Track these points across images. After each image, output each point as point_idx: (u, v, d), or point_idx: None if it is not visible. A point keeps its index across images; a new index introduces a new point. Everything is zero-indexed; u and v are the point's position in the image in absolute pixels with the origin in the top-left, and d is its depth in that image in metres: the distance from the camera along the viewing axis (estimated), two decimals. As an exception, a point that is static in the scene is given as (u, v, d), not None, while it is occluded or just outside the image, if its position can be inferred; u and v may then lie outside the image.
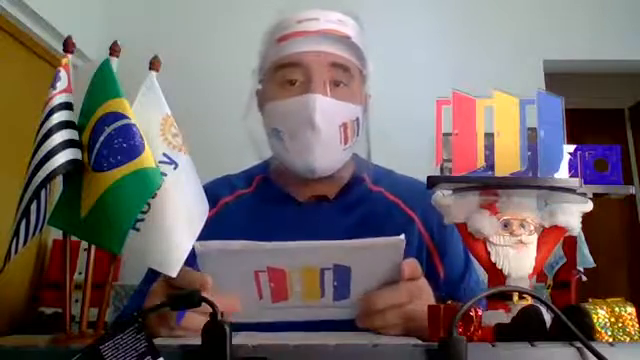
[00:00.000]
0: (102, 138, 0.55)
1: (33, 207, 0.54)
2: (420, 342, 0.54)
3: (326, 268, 0.66)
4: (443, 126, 0.61)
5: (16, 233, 0.54)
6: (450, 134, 0.61)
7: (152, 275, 0.73)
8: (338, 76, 0.89)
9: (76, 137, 0.57)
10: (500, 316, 0.57)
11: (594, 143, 0.62)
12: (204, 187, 0.94)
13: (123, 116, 0.56)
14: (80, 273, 0.61)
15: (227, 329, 0.46)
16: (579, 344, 0.49)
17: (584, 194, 0.61)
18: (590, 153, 0.61)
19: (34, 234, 0.56)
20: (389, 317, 0.66)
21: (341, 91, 0.89)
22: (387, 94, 0.98)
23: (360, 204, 0.94)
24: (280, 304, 0.69)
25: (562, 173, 0.60)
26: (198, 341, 0.47)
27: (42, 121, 0.56)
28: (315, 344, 0.49)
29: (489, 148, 0.60)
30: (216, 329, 0.46)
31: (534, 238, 0.61)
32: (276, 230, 0.90)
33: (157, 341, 0.49)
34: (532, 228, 0.61)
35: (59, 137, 0.55)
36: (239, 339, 0.52)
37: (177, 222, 0.58)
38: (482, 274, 0.67)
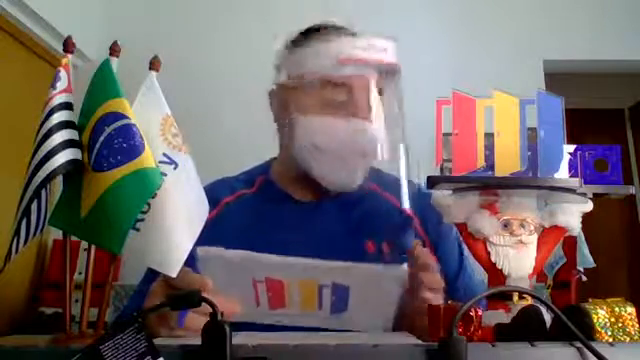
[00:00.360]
0: (102, 138, 0.55)
1: (33, 207, 0.54)
2: (420, 342, 0.54)
3: (324, 285, 0.66)
4: (443, 126, 0.61)
5: (17, 233, 0.54)
6: (450, 134, 0.61)
7: (152, 275, 0.73)
8: (378, 101, 0.91)
9: (76, 137, 0.57)
10: (500, 316, 0.57)
11: (594, 143, 0.62)
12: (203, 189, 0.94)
13: (123, 116, 0.56)
14: (80, 273, 0.61)
15: (227, 329, 0.46)
16: (579, 344, 0.49)
17: (584, 194, 0.61)
18: (590, 153, 0.61)
19: (35, 234, 0.56)
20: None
21: (378, 114, 0.91)
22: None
23: (359, 203, 0.94)
24: (277, 311, 0.69)
25: (562, 173, 0.60)
26: (198, 341, 0.47)
27: (42, 121, 0.56)
28: (315, 344, 0.49)
29: (489, 148, 0.60)
30: (216, 329, 0.46)
31: (534, 238, 0.61)
32: (277, 229, 0.90)
33: (157, 341, 0.49)
34: (532, 228, 0.61)
35: (59, 137, 0.55)
36: (239, 339, 0.52)
37: (177, 222, 0.58)
38: (481, 273, 0.67)
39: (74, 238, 0.58)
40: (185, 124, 0.67)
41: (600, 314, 0.54)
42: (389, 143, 0.90)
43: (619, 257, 3.43)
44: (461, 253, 0.97)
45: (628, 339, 0.53)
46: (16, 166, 0.80)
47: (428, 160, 0.62)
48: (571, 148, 0.61)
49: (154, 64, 0.63)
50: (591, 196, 0.62)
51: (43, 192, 0.54)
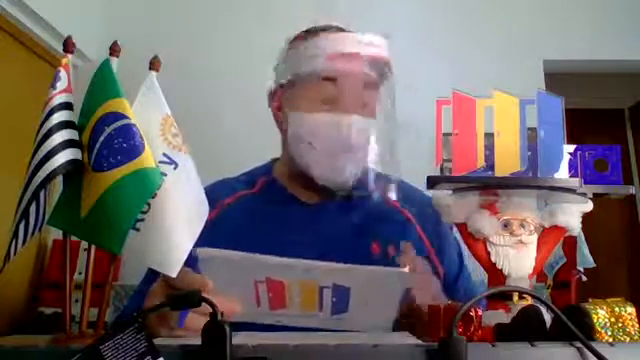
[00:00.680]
0: (102, 138, 0.55)
1: (33, 207, 0.54)
2: (420, 342, 0.54)
3: (325, 286, 0.66)
4: (443, 126, 0.61)
5: (15, 234, 0.54)
6: (450, 134, 0.61)
7: (152, 275, 0.73)
8: (367, 96, 0.93)
9: (76, 137, 0.57)
10: (500, 316, 0.57)
11: (594, 143, 0.62)
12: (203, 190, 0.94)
13: (123, 116, 0.56)
14: (80, 273, 0.61)
15: (227, 329, 0.46)
16: (579, 344, 0.49)
17: (584, 194, 0.61)
18: (590, 153, 0.61)
19: (33, 234, 0.56)
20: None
21: (368, 109, 0.93)
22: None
23: (364, 206, 0.94)
24: (278, 311, 0.69)
25: (562, 173, 0.60)
26: (198, 341, 0.47)
27: (42, 121, 0.56)
28: (315, 344, 0.49)
29: (489, 148, 0.60)
30: (216, 329, 0.46)
31: (534, 238, 0.61)
32: (281, 230, 0.90)
33: (157, 341, 0.49)
34: (532, 228, 0.61)
35: (59, 137, 0.55)
36: (239, 339, 0.52)
37: (177, 222, 0.58)
38: (480, 274, 0.67)
39: (74, 238, 0.58)
40: (185, 124, 0.67)
41: (600, 314, 0.54)
42: (382, 139, 0.91)
43: (619, 257, 3.42)
44: (460, 254, 0.97)
45: (628, 339, 0.53)
46: (16, 166, 0.80)
47: (428, 160, 0.62)
48: (571, 148, 0.61)
49: (154, 64, 0.63)
50: (591, 196, 0.62)
51: (42, 192, 0.54)
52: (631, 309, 0.55)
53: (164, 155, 0.60)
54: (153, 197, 0.57)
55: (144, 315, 0.48)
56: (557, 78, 2.42)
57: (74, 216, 0.56)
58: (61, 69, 0.58)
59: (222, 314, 0.48)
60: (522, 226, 0.61)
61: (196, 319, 0.62)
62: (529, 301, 0.58)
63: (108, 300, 0.59)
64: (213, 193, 0.89)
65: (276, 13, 2.46)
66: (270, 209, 0.94)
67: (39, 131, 0.55)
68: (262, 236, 0.87)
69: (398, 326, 0.71)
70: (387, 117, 0.94)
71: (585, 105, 3.20)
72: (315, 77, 0.91)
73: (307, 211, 0.94)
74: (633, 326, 0.54)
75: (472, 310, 0.52)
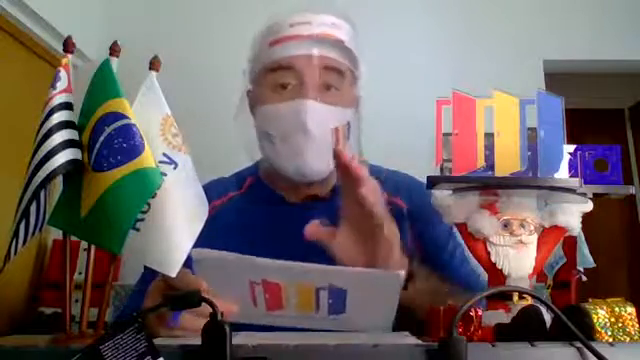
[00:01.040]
0: (102, 138, 0.55)
1: (33, 207, 0.54)
2: (420, 342, 0.54)
3: (321, 288, 0.66)
4: (443, 126, 0.61)
5: (15, 234, 0.54)
6: (450, 134, 0.61)
7: (149, 275, 0.73)
8: (330, 79, 0.89)
9: (76, 137, 0.57)
10: (500, 316, 0.57)
11: (594, 143, 0.62)
12: None
13: (123, 116, 0.56)
14: (80, 273, 0.61)
15: (227, 329, 0.46)
16: (579, 344, 0.49)
17: (584, 194, 0.61)
18: (590, 153, 0.61)
19: (33, 234, 0.56)
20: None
21: (333, 95, 0.89)
22: (387, 94, 0.98)
23: None
24: (275, 312, 0.69)
25: (562, 173, 0.60)
26: (198, 341, 0.47)
27: (42, 121, 0.56)
28: (315, 344, 0.49)
29: (489, 148, 0.60)
30: (216, 329, 0.46)
31: (534, 238, 0.61)
32: (268, 231, 0.89)
33: (157, 341, 0.49)
34: (532, 228, 0.61)
35: (59, 137, 0.55)
36: (239, 339, 0.52)
37: (177, 222, 0.58)
38: (482, 273, 0.67)
39: (74, 238, 0.58)
40: (185, 124, 0.67)
41: (600, 314, 0.54)
42: (336, 123, 0.85)
43: (619, 257, 3.42)
44: (450, 232, 0.95)
45: (628, 339, 0.53)
46: (16, 166, 0.80)
47: (428, 160, 0.62)
48: (571, 148, 0.61)
49: (154, 64, 0.63)
50: (591, 196, 0.62)
51: (42, 192, 0.54)
52: (631, 309, 0.55)
53: (164, 155, 0.60)
54: (153, 197, 0.57)
55: (144, 315, 0.48)
56: (557, 78, 2.42)
57: (74, 216, 0.56)
58: (61, 69, 0.58)
59: (222, 314, 0.48)
60: (522, 226, 0.61)
61: (193, 319, 0.62)
62: (529, 301, 0.58)
63: (108, 300, 0.59)
64: (205, 194, 0.90)
65: (278, 11, 2.45)
66: (256, 209, 0.93)
67: (39, 131, 0.55)
68: (250, 236, 0.87)
69: (398, 327, 0.71)
70: (354, 103, 0.91)
71: (585, 105, 3.20)
72: (264, 68, 0.89)
73: (291, 210, 0.93)
74: (633, 326, 0.54)
75: (472, 310, 0.52)
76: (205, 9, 2.57)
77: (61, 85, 0.58)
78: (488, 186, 0.60)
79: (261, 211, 0.93)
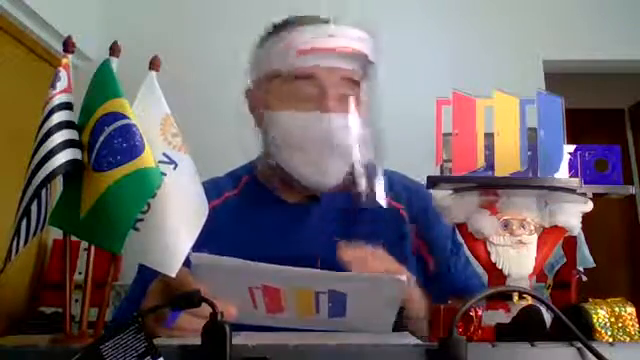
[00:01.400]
0: (102, 138, 0.55)
1: (34, 207, 0.54)
2: (420, 342, 0.54)
3: (321, 292, 0.66)
4: (443, 126, 0.61)
5: (17, 233, 0.54)
6: (450, 134, 0.61)
7: (149, 274, 0.73)
8: (348, 90, 0.89)
9: (76, 137, 0.57)
10: (500, 316, 0.57)
11: (594, 143, 0.62)
12: None
13: (123, 116, 0.56)
14: (80, 273, 0.61)
15: (227, 329, 0.46)
16: (579, 344, 0.49)
17: (584, 194, 0.61)
18: (590, 153, 0.61)
19: (35, 234, 0.56)
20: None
21: (349, 105, 0.89)
22: (387, 94, 0.98)
23: (349, 203, 0.92)
24: (275, 315, 0.69)
25: (562, 173, 0.60)
26: (198, 341, 0.47)
27: (42, 121, 0.56)
28: (315, 344, 0.49)
29: (489, 148, 0.60)
30: (216, 329, 0.46)
31: (534, 238, 0.61)
32: (266, 232, 0.89)
33: (157, 341, 0.49)
34: (532, 228, 0.61)
35: (59, 137, 0.55)
36: (239, 339, 0.52)
37: (177, 222, 0.58)
38: (482, 274, 0.67)
39: (74, 238, 0.58)
40: (185, 124, 0.67)
41: (600, 314, 0.54)
42: (363, 136, 0.87)
43: (619, 257, 3.43)
44: (454, 241, 0.95)
45: (628, 339, 0.53)
46: (16, 166, 0.80)
47: (428, 160, 0.62)
48: (571, 148, 0.61)
49: (154, 64, 0.63)
50: (591, 196, 0.62)
51: (43, 192, 0.54)
52: (631, 309, 0.55)
53: (164, 155, 0.60)
54: (153, 197, 0.57)
55: (144, 315, 0.48)
56: (557, 78, 2.42)
57: (74, 216, 0.56)
58: (61, 69, 0.58)
59: (222, 314, 0.48)
60: (522, 226, 0.61)
61: (190, 320, 0.62)
62: (529, 301, 0.58)
63: (108, 300, 0.59)
64: None
65: (277, 12, 2.45)
66: (253, 210, 0.93)
67: (39, 131, 0.55)
68: (248, 238, 0.87)
69: (397, 329, 0.71)
70: (371, 115, 0.91)
71: (585, 105, 3.20)
72: (288, 74, 0.88)
73: (290, 211, 0.93)
74: (633, 326, 0.54)
75: (472, 310, 0.52)
76: (205, 9, 2.57)
77: (61, 85, 0.58)
78: (488, 186, 0.60)
79: (259, 211, 0.93)
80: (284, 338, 0.55)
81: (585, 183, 0.59)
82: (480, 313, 0.53)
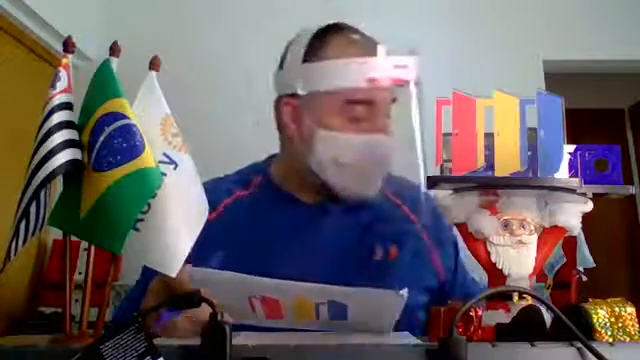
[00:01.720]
0: (102, 138, 0.55)
1: (33, 207, 0.54)
2: (420, 342, 0.54)
3: (321, 303, 0.66)
4: (443, 126, 0.61)
5: (16, 233, 0.54)
6: (450, 134, 0.61)
7: (150, 272, 0.73)
8: (389, 110, 0.92)
9: (76, 137, 0.57)
10: (500, 316, 0.57)
11: (594, 143, 0.62)
12: None
13: (123, 116, 0.56)
14: (80, 273, 0.61)
15: (227, 329, 0.46)
16: (579, 344, 0.49)
17: (584, 194, 0.61)
18: (590, 153, 0.61)
19: (33, 234, 0.56)
20: None
21: (391, 124, 0.92)
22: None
23: (366, 207, 0.93)
24: (276, 321, 0.69)
25: (562, 173, 0.60)
26: (198, 341, 0.47)
27: (42, 121, 0.56)
28: (315, 344, 0.49)
29: (489, 148, 0.60)
30: (216, 329, 0.46)
31: (534, 238, 0.61)
32: (280, 231, 0.89)
33: (157, 341, 0.49)
34: (532, 228, 0.61)
35: (59, 137, 0.55)
36: (239, 339, 0.52)
37: (177, 222, 0.58)
38: (482, 274, 0.67)
39: (74, 238, 0.58)
40: (185, 124, 0.67)
41: (600, 314, 0.54)
42: (407, 155, 0.90)
43: (619, 257, 3.43)
44: (457, 254, 0.97)
45: (628, 339, 0.53)
46: (16, 166, 0.80)
47: (428, 160, 0.62)
48: (571, 148, 0.61)
49: (154, 64, 0.63)
50: (591, 196, 0.62)
51: (42, 192, 0.54)
52: (631, 309, 0.55)
53: (164, 155, 0.60)
54: (153, 197, 0.57)
55: (144, 315, 0.48)
56: (557, 78, 2.42)
57: (74, 216, 0.56)
58: (61, 69, 0.58)
59: (222, 314, 0.48)
60: (522, 226, 0.61)
61: (184, 322, 0.62)
62: (529, 301, 0.58)
63: (108, 300, 0.59)
64: (210, 194, 0.90)
65: (276, 13, 2.46)
66: (269, 210, 0.93)
67: (39, 131, 0.55)
68: (264, 239, 0.87)
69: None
70: (414, 134, 0.90)
71: (585, 105, 3.20)
72: (343, 97, 0.89)
73: (307, 211, 0.93)
74: (633, 326, 0.54)
75: (472, 310, 0.52)
76: (205, 9, 2.57)
77: (61, 85, 0.58)
78: (488, 186, 0.60)
79: (276, 212, 0.93)
80: (284, 338, 0.55)
81: (585, 183, 0.59)
82: (480, 313, 0.53)
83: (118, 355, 0.46)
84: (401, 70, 0.89)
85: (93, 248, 0.58)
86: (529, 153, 0.60)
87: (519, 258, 0.60)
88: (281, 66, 0.96)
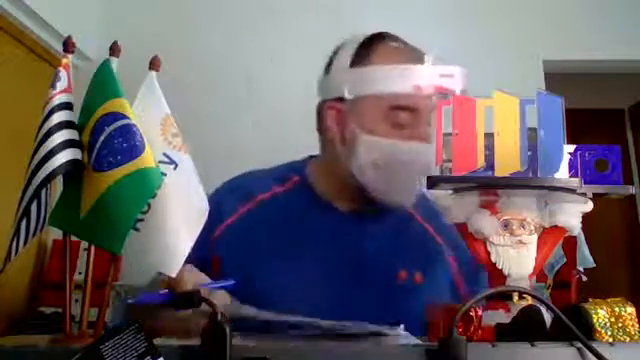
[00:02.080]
0: (102, 138, 0.55)
1: (33, 207, 0.54)
2: (420, 342, 0.54)
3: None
4: (443, 126, 0.61)
5: (16, 233, 0.54)
6: (450, 134, 0.61)
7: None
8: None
9: (76, 137, 0.57)
10: (500, 316, 0.57)
11: (594, 143, 0.62)
12: (235, 180, 0.94)
13: (123, 116, 0.56)
14: (80, 273, 0.61)
15: (227, 329, 0.46)
16: (579, 344, 0.49)
17: (584, 194, 0.61)
18: (590, 153, 0.61)
19: (34, 234, 0.56)
20: None
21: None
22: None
23: (399, 227, 0.94)
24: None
25: (562, 173, 0.60)
26: (198, 341, 0.47)
27: (42, 121, 0.56)
28: (315, 344, 0.49)
29: (489, 148, 0.60)
30: (216, 329, 0.46)
31: (534, 238, 0.61)
32: (310, 234, 0.90)
33: (157, 341, 0.49)
34: (532, 228, 0.61)
35: (59, 137, 0.55)
36: (239, 339, 0.52)
37: (177, 222, 0.58)
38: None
39: (74, 238, 0.58)
40: (185, 124, 0.67)
41: (600, 314, 0.54)
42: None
43: (619, 257, 3.42)
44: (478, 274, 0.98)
45: (628, 339, 0.53)
46: (16, 166, 0.80)
47: (428, 160, 0.62)
48: (571, 148, 0.61)
49: (154, 64, 0.63)
50: (591, 196, 0.62)
51: (43, 192, 0.54)
52: (631, 309, 0.55)
53: (164, 155, 0.60)
54: (153, 197, 0.57)
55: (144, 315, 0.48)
56: (557, 78, 2.42)
57: (74, 216, 0.56)
58: (61, 69, 0.58)
59: (222, 315, 0.48)
60: (522, 226, 0.61)
61: (173, 319, 0.62)
62: (529, 301, 0.58)
63: (108, 300, 0.59)
64: (246, 184, 0.94)
65: (276, 13, 2.46)
66: (304, 212, 0.93)
67: (39, 131, 0.55)
68: (295, 240, 0.89)
69: None
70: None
71: (585, 105, 3.20)
72: (387, 103, 0.89)
73: (339, 219, 0.93)
74: (633, 326, 0.54)
75: (472, 310, 0.52)
76: (205, 9, 2.57)
77: (61, 85, 0.58)
78: (488, 186, 0.60)
79: (307, 215, 0.93)
80: (284, 338, 0.55)
81: (585, 183, 0.59)
82: (480, 313, 0.53)
83: (118, 355, 0.46)
84: (446, 79, 0.89)
85: (93, 248, 0.58)
86: (529, 153, 0.60)
87: (519, 258, 0.60)
88: (327, 71, 0.97)
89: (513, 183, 0.59)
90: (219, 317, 0.47)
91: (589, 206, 0.63)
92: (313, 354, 0.48)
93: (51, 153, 0.54)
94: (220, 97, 2.40)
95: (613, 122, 3.58)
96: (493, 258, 0.61)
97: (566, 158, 0.61)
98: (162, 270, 0.58)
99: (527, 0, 2.65)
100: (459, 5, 2.61)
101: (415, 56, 0.91)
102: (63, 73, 0.58)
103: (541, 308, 0.54)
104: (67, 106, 0.57)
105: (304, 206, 0.94)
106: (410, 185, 0.90)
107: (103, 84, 0.59)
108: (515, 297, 0.59)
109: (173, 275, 0.58)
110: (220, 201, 0.92)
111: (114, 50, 0.61)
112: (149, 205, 0.57)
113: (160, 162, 0.59)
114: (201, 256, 0.88)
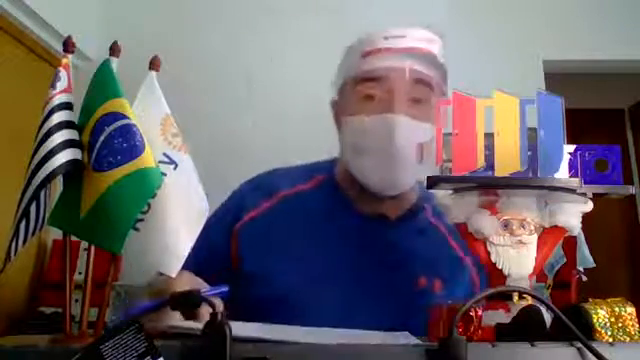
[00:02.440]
0: (102, 138, 0.55)
1: (32, 208, 0.54)
2: (420, 342, 0.54)
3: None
4: (443, 126, 0.61)
5: (16, 233, 0.54)
6: (450, 134, 0.61)
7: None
8: (420, 93, 0.87)
9: (76, 137, 0.57)
10: (500, 316, 0.57)
11: (594, 143, 0.62)
12: (259, 177, 0.94)
13: (123, 116, 0.56)
14: (80, 273, 0.61)
15: (227, 329, 0.46)
16: (579, 344, 0.49)
17: (584, 194, 0.61)
18: (590, 153, 0.61)
19: (33, 234, 0.56)
20: None
21: (421, 109, 0.87)
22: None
23: (419, 234, 0.92)
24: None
25: (562, 173, 0.60)
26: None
27: (42, 121, 0.56)
28: (315, 344, 0.49)
29: (489, 148, 0.60)
30: (216, 329, 0.46)
31: (534, 238, 0.61)
32: (330, 234, 0.90)
33: (157, 341, 0.49)
34: (532, 228, 0.61)
35: (59, 137, 0.55)
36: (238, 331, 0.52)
37: (177, 222, 0.58)
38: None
39: (74, 238, 0.58)
40: (185, 124, 0.67)
41: (600, 314, 0.54)
42: (422, 139, 0.84)
43: (619, 257, 3.43)
44: None
45: (628, 339, 0.53)
46: (16, 166, 0.80)
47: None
48: (571, 148, 0.61)
49: (154, 64, 0.63)
50: (591, 196, 0.62)
51: (42, 193, 0.54)
52: (631, 309, 0.55)
53: (164, 155, 0.60)
54: (153, 197, 0.57)
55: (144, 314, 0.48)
56: (557, 78, 2.42)
57: (74, 216, 0.56)
58: (61, 69, 0.58)
59: (222, 315, 0.48)
60: (522, 226, 0.61)
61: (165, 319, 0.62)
62: (529, 301, 0.58)
63: (108, 300, 0.59)
64: (270, 181, 0.95)
65: (276, 13, 2.46)
66: (327, 212, 0.92)
67: (39, 131, 0.55)
68: (314, 236, 0.89)
69: None
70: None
71: (585, 105, 3.20)
72: (354, 78, 0.88)
73: (360, 220, 0.92)
74: (633, 326, 0.54)
75: (472, 310, 0.52)
76: (205, 9, 2.57)
77: (61, 85, 0.58)
78: (488, 186, 0.60)
79: (332, 215, 0.92)
80: (284, 337, 0.55)
81: (585, 183, 0.59)
82: (480, 313, 0.53)
83: (118, 355, 0.46)
84: (393, 40, 0.86)
85: (93, 248, 0.58)
86: (529, 153, 0.60)
87: (519, 258, 0.60)
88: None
89: (513, 183, 0.59)
90: (219, 317, 0.47)
91: (589, 206, 0.63)
92: (313, 354, 0.48)
93: (51, 153, 0.54)
94: (220, 97, 2.40)
95: (613, 122, 3.58)
96: (493, 258, 0.61)
97: (566, 158, 0.61)
98: (162, 270, 0.58)
99: (527, 0, 2.65)
100: (459, 5, 2.61)
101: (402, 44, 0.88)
102: (63, 73, 0.58)
103: (541, 308, 0.54)
104: (67, 106, 0.57)
105: (327, 205, 0.93)
106: (387, 163, 0.84)
107: (103, 84, 0.59)
108: (515, 297, 0.59)
109: (173, 275, 0.58)
110: (244, 195, 0.94)
111: (114, 50, 0.61)
112: (149, 205, 0.57)
113: (160, 162, 0.59)
114: (220, 242, 0.89)
